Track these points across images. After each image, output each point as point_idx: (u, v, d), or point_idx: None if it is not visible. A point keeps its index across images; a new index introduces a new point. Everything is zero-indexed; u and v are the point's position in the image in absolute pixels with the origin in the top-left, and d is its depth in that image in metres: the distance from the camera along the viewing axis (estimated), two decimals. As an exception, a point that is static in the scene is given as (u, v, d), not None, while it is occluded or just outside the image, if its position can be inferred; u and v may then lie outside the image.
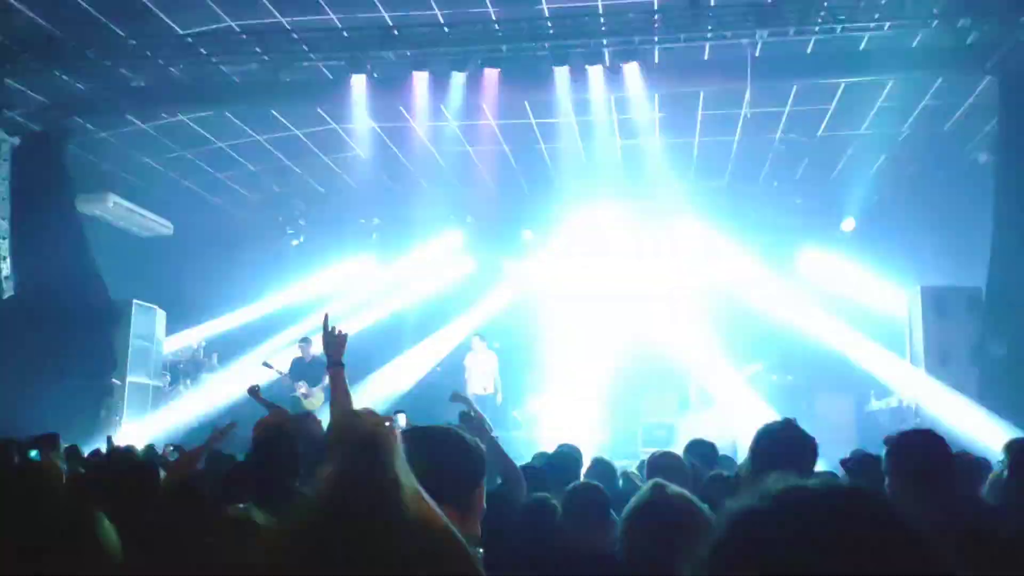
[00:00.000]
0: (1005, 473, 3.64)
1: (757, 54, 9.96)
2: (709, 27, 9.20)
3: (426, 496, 1.58)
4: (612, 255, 15.74)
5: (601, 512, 3.29)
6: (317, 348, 12.93)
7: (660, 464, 4.33)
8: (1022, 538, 2.58)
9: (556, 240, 16.01)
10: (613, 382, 13.72)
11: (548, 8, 9.29)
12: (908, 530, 0.84)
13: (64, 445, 6.33)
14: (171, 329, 13.24)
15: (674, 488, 2.24)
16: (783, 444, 2.93)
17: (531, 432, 13.42)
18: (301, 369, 12.39)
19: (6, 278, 10.76)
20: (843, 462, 4.15)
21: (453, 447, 2.15)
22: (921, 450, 3.28)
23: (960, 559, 2.24)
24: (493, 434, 4.09)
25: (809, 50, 10.07)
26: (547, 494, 3.55)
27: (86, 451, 7.02)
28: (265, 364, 12.32)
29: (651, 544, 2.08)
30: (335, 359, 3.62)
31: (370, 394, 14.72)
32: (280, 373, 12.30)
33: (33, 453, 5.54)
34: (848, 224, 13.99)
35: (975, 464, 4.63)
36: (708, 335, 13.55)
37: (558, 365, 15.31)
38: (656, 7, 9.19)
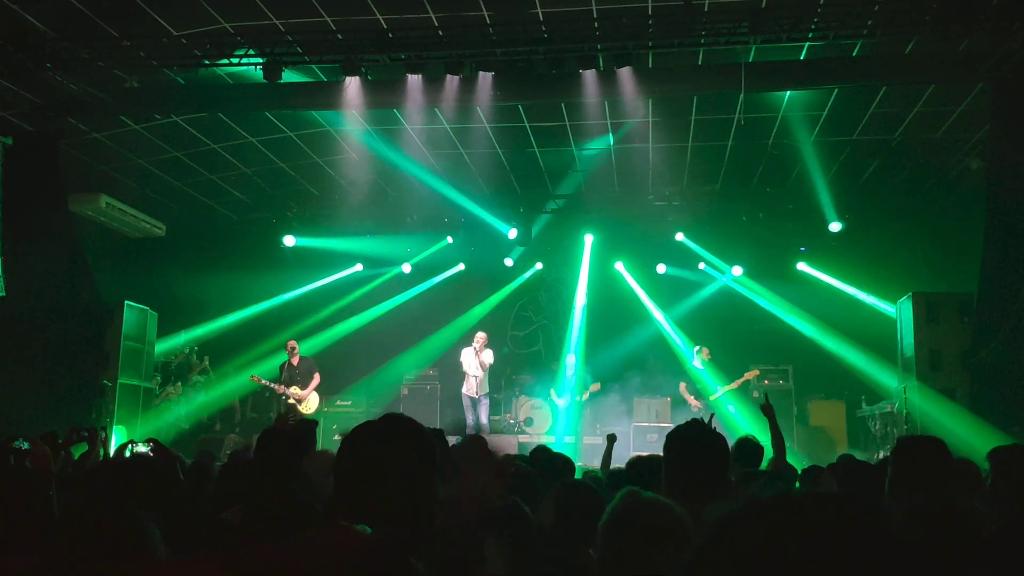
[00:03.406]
0: (989, 481, 3.66)
1: (750, 60, 10.00)
2: (703, 32, 9.22)
3: None
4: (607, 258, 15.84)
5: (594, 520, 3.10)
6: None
7: (643, 466, 4.31)
8: (1005, 547, 2.59)
9: (551, 243, 16.10)
10: (605, 384, 13.78)
11: (542, 11, 9.29)
12: (892, 541, 0.84)
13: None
14: (162, 331, 13.20)
15: (649, 493, 2.22)
16: (694, 444, 2.98)
17: (528, 435, 13.47)
18: (290, 374, 12.38)
19: (-3, 278, 10.73)
20: (832, 468, 4.17)
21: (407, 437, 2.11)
22: (923, 456, 3.32)
23: (949, 567, 2.25)
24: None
25: (802, 56, 10.12)
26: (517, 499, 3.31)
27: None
28: (253, 379, 12.37)
29: (629, 553, 2.07)
30: None
31: (365, 396, 14.77)
32: (270, 385, 12.30)
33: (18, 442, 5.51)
34: (834, 226, 14.09)
35: (971, 471, 4.64)
36: (702, 339, 13.57)
37: (552, 367, 15.38)
38: (650, 12, 9.21)
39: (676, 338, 14.95)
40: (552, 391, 13.80)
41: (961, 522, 2.50)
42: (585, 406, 13.35)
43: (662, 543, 1.97)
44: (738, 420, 12.61)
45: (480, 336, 13.21)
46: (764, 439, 6.01)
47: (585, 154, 13.52)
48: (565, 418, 13.49)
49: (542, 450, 5.57)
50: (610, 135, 12.55)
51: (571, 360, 13.80)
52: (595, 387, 13.27)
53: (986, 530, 2.48)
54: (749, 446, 5.74)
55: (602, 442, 7.88)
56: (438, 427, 5.15)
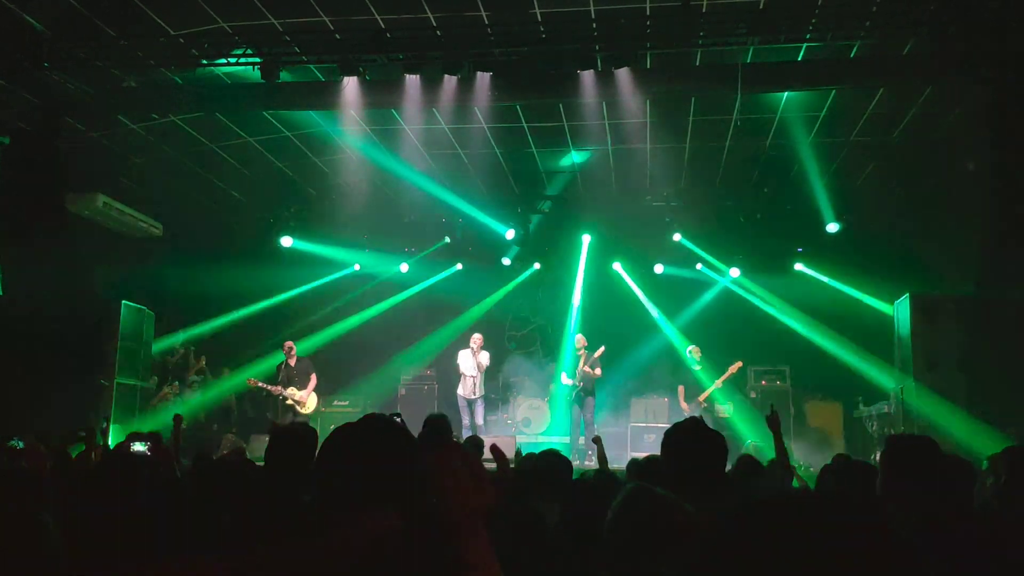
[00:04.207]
0: (991, 479, 3.66)
1: (748, 60, 10.01)
2: (701, 33, 9.23)
3: None
4: (603, 259, 15.85)
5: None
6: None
7: (644, 469, 4.31)
8: (1017, 544, 2.60)
9: (548, 244, 16.11)
10: (603, 385, 13.72)
11: (541, 12, 9.29)
12: (890, 539, 0.85)
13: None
14: (160, 331, 13.19)
15: (659, 490, 2.23)
16: (691, 442, 2.98)
17: (525, 435, 13.46)
18: (287, 374, 12.37)
19: (-6, 278, 10.71)
20: (828, 468, 4.16)
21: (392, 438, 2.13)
22: (914, 453, 3.32)
23: (951, 563, 2.25)
24: None
25: (800, 57, 10.13)
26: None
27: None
28: (250, 383, 12.36)
29: (637, 547, 2.07)
30: None
31: (362, 396, 14.76)
32: (267, 388, 12.28)
33: (14, 442, 5.51)
34: (832, 227, 14.12)
35: (967, 469, 4.64)
36: (700, 339, 13.57)
37: (549, 368, 15.38)
38: (648, 12, 9.21)
39: (674, 339, 14.96)
40: (563, 374, 13.46)
41: (961, 522, 2.50)
42: (596, 388, 12.88)
43: (670, 538, 1.98)
44: (733, 419, 12.62)
45: (476, 337, 13.19)
46: (760, 438, 5.97)
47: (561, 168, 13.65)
48: (568, 417, 13.34)
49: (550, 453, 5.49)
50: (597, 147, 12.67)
51: (580, 340, 13.26)
52: (600, 351, 12.73)
53: (987, 529, 2.49)
54: (749, 466, 5.62)
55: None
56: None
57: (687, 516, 2.08)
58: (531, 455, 5.69)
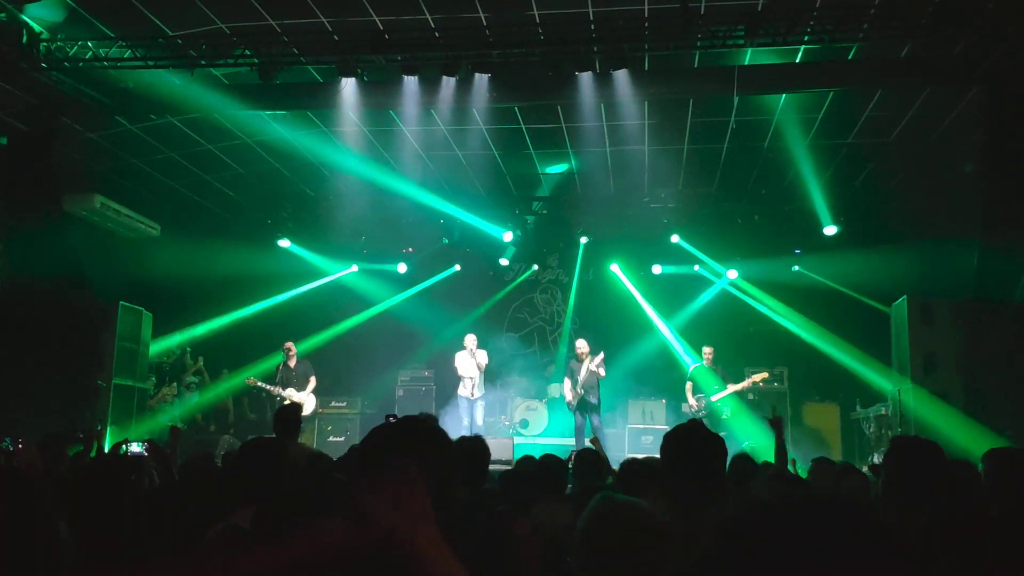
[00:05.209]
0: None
1: (746, 62, 10.01)
2: (699, 35, 9.23)
3: None
4: (602, 260, 15.85)
5: None
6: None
7: (632, 469, 4.30)
8: (1000, 544, 2.60)
9: (546, 245, 16.12)
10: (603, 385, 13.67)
11: (539, 13, 9.29)
12: (890, 541, 0.85)
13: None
14: (157, 331, 13.16)
15: (624, 498, 2.23)
16: (692, 445, 2.97)
17: (523, 436, 13.46)
18: (286, 375, 12.34)
19: (-9, 278, 10.70)
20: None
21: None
22: (918, 456, 3.33)
23: (952, 565, 2.24)
24: None
25: (798, 59, 10.13)
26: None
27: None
28: (249, 382, 12.33)
29: (604, 556, 2.07)
30: None
31: (360, 397, 14.75)
32: (266, 388, 12.25)
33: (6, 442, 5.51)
34: (829, 230, 14.14)
35: (970, 473, 4.65)
36: (696, 340, 13.56)
37: (547, 369, 15.38)
38: (646, 14, 9.21)
39: (672, 339, 14.96)
40: (567, 384, 13.15)
41: (962, 524, 2.50)
42: (600, 391, 12.73)
43: (637, 545, 1.98)
44: (730, 421, 12.60)
45: (471, 338, 13.13)
46: (760, 442, 5.96)
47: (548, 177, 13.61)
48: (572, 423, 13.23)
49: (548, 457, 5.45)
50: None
51: (583, 346, 12.93)
52: (600, 357, 12.51)
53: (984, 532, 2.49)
54: (742, 465, 5.62)
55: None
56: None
57: (656, 521, 2.08)
58: (529, 458, 5.68)
